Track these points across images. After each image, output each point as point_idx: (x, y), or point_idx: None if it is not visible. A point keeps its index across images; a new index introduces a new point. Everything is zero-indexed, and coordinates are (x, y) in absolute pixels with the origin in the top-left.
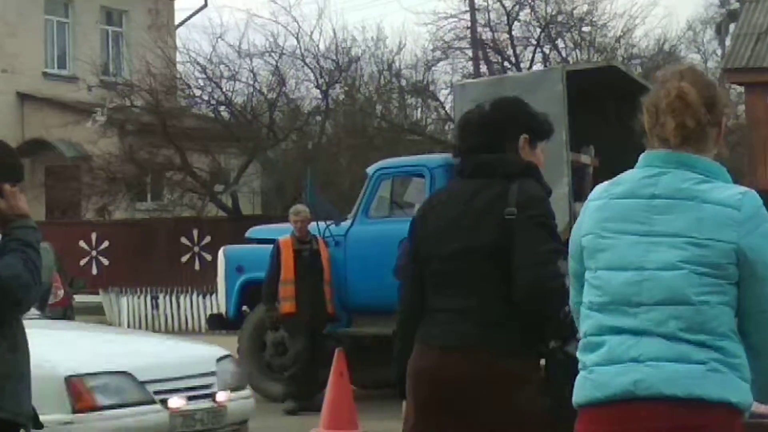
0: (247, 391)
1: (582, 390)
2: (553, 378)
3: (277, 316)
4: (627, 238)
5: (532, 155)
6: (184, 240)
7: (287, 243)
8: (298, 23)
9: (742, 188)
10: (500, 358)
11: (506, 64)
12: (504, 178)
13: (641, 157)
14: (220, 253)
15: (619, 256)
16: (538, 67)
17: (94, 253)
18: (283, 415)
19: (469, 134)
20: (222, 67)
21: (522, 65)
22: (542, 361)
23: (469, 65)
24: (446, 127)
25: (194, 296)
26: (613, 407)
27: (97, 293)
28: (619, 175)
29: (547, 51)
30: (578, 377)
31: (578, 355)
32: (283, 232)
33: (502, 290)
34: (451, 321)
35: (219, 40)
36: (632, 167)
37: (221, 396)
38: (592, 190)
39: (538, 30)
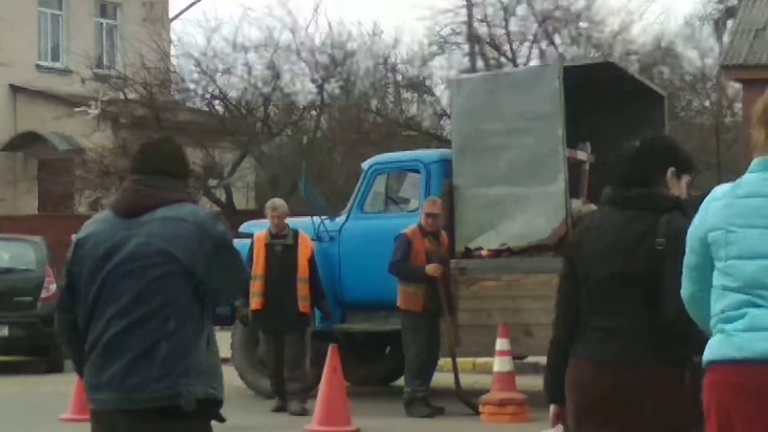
0: None
1: (719, 350)
2: (694, 384)
3: (246, 313)
4: (755, 232)
5: (677, 186)
6: None
7: (260, 238)
8: (293, 17)
9: None
10: (651, 368)
11: (503, 59)
12: (655, 211)
13: (755, 162)
14: None
15: (749, 247)
16: (534, 62)
17: None
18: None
19: (623, 167)
20: (216, 60)
21: (519, 61)
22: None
23: (466, 60)
24: (442, 123)
25: None
26: (746, 365)
27: None
28: (738, 179)
29: (544, 47)
30: (713, 340)
31: (716, 326)
32: None
33: (647, 311)
34: (604, 338)
35: (214, 33)
36: None
37: None
38: (587, 186)
39: (535, 25)
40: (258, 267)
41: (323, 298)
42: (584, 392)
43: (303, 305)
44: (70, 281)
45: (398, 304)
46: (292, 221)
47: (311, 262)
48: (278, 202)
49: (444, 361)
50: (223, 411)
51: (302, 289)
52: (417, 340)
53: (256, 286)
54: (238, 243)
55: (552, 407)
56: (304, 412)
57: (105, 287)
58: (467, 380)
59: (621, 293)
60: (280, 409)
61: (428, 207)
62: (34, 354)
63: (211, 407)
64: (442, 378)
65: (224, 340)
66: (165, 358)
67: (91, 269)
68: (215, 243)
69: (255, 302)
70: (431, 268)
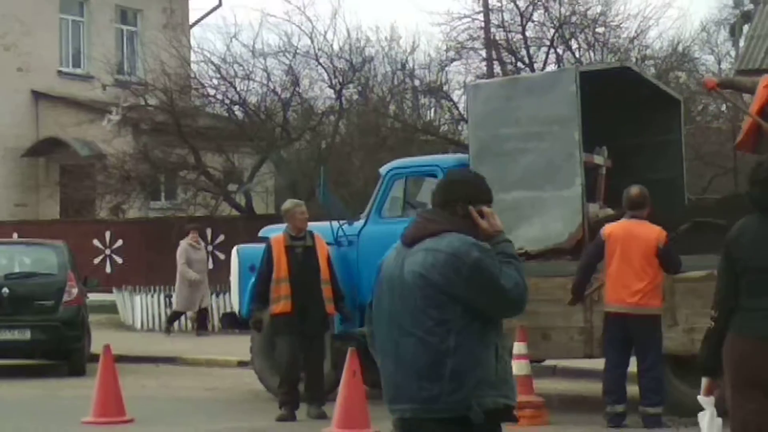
0: None
1: None
2: None
3: (260, 318)
4: None
5: None
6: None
7: (279, 240)
8: (311, 23)
9: None
10: None
11: (520, 64)
12: None
13: None
14: (234, 252)
15: None
16: (551, 67)
17: (107, 251)
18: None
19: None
20: (236, 66)
21: (535, 66)
22: None
23: (483, 65)
24: (459, 128)
25: (208, 295)
26: None
27: (111, 292)
28: None
29: (561, 52)
30: None
31: None
32: None
33: None
34: (764, 317)
35: (233, 39)
36: (644, 168)
37: None
38: (604, 190)
39: (552, 30)
40: (280, 270)
41: (342, 299)
42: (743, 365)
43: (328, 306)
44: (371, 300)
45: None
46: (310, 225)
47: (329, 262)
48: (300, 201)
49: None
50: (243, 414)
51: (326, 291)
52: None
53: (281, 289)
54: (256, 247)
55: (705, 380)
56: (323, 416)
57: (388, 307)
58: None
59: None
60: (286, 418)
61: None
62: (56, 357)
63: (502, 415)
64: None
65: (245, 344)
66: (452, 372)
67: (380, 289)
68: (470, 269)
69: (282, 305)
70: None
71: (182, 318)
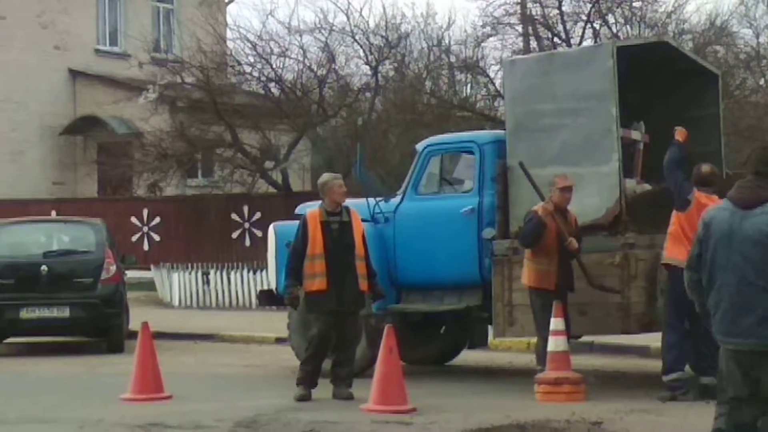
0: None
1: None
2: None
3: (296, 294)
4: None
5: None
6: (234, 216)
7: (314, 215)
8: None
9: None
10: None
11: (556, 40)
12: None
13: None
14: (270, 229)
15: None
16: (588, 42)
17: (145, 229)
18: (334, 394)
19: None
20: (272, 43)
21: (572, 41)
22: None
23: (519, 41)
24: (496, 104)
25: (245, 272)
26: None
27: (149, 269)
28: None
29: (598, 27)
30: None
31: None
32: None
33: None
34: None
35: (269, 16)
36: None
37: None
38: (641, 166)
39: (589, 5)
40: (315, 246)
41: (375, 276)
42: None
43: (363, 284)
44: (699, 251)
45: (527, 282)
46: (347, 202)
47: (364, 239)
48: (338, 174)
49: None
50: (281, 390)
51: (360, 267)
52: (549, 319)
53: (317, 266)
54: (293, 224)
55: None
56: (350, 397)
57: (723, 259)
58: (521, 360)
59: None
60: (306, 398)
61: (561, 182)
62: (95, 335)
63: None
64: (497, 357)
65: (282, 321)
66: None
67: (715, 245)
68: None
69: (318, 282)
70: (571, 243)
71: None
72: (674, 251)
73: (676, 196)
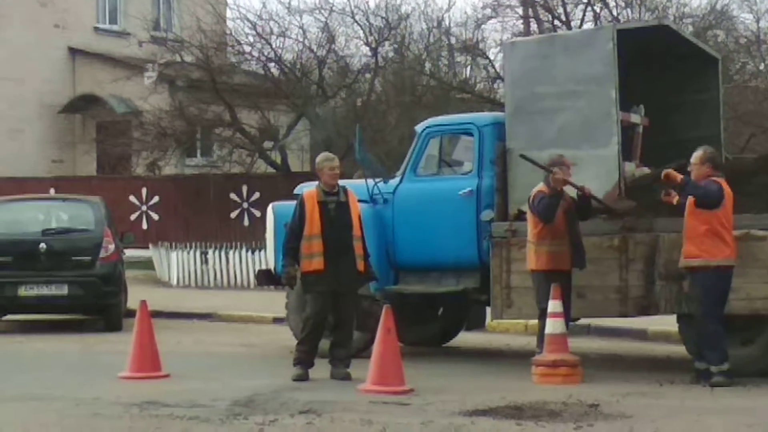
0: None
1: None
2: None
3: (294, 274)
4: None
5: None
6: (233, 196)
7: (311, 195)
8: None
9: None
10: None
11: (556, 22)
12: None
13: None
14: (269, 209)
15: None
16: (588, 25)
17: (144, 208)
18: (332, 373)
19: None
20: (272, 23)
21: (572, 24)
22: None
23: (519, 23)
24: (495, 86)
25: (243, 252)
26: None
27: (147, 248)
28: None
29: (598, 9)
30: None
31: None
32: None
33: None
34: None
35: None
36: (681, 127)
37: None
38: (641, 149)
39: None
40: (313, 226)
41: (369, 256)
42: None
43: (360, 264)
44: None
45: (538, 266)
46: (345, 182)
47: (360, 219)
48: (333, 156)
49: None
50: (278, 369)
51: (357, 248)
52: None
53: (314, 246)
54: (291, 204)
55: None
56: (348, 377)
57: None
58: (519, 342)
59: None
60: (303, 378)
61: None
62: (93, 313)
63: None
64: (494, 339)
65: (280, 300)
66: None
67: None
68: None
69: (316, 263)
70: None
71: (216, 274)
72: (713, 252)
73: (710, 200)
